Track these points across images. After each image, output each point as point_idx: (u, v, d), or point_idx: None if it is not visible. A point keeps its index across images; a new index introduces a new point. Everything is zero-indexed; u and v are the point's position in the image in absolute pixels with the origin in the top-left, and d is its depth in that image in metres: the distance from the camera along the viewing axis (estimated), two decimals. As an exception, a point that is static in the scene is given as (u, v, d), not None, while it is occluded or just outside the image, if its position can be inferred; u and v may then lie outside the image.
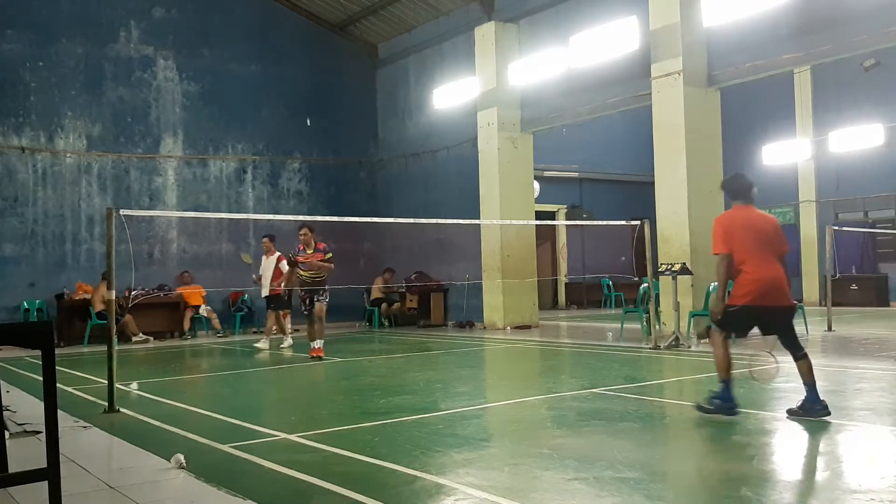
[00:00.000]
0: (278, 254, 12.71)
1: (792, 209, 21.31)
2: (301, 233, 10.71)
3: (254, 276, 13.31)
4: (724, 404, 5.66)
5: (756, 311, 5.64)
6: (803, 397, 5.64)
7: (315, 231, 10.84)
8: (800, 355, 5.67)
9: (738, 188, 5.99)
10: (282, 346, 12.47)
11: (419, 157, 17.67)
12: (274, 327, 12.74)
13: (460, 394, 7.53)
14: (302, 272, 10.64)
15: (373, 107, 18.99)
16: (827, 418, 5.59)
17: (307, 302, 10.68)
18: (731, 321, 5.73)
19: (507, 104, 15.32)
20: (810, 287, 20.17)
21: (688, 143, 11.74)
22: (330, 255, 10.68)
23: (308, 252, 10.59)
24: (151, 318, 14.99)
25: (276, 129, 17.56)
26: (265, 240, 13.07)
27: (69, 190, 15.37)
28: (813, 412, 5.54)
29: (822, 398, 5.58)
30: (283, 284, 11.88)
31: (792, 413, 5.67)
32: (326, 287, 10.73)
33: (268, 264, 12.87)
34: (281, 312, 12.91)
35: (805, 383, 5.59)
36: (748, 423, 5.59)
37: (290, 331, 13.05)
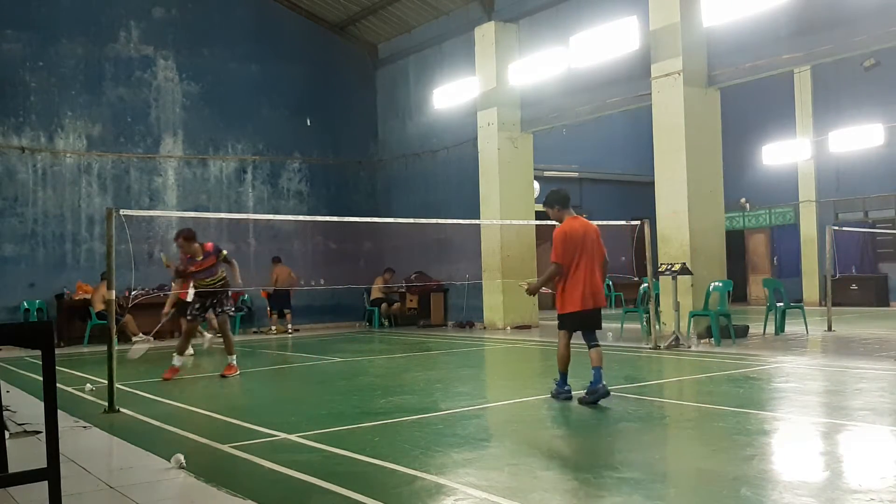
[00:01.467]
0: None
1: (792, 209, 21.31)
2: (177, 244, 9.27)
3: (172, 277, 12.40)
4: (561, 389, 6.56)
5: (584, 313, 6.49)
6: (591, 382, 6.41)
7: (192, 237, 9.14)
8: (594, 345, 6.55)
9: (566, 199, 6.74)
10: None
11: (419, 157, 17.66)
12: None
13: (460, 394, 7.53)
14: (200, 282, 9.28)
15: (373, 107, 19.00)
16: (827, 419, 5.60)
17: (197, 307, 9.33)
18: (569, 324, 6.56)
19: (507, 104, 15.31)
20: (810, 287, 20.16)
21: (688, 143, 11.73)
22: (224, 252, 9.31)
23: (199, 259, 9.17)
24: (151, 318, 14.96)
25: (276, 129, 17.56)
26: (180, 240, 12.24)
27: (69, 190, 15.37)
28: (598, 393, 6.30)
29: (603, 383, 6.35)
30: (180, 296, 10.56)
31: (582, 401, 6.36)
32: (228, 293, 9.38)
33: None
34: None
35: (594, 367, 6.40)
36: (748, 423, 5.59)
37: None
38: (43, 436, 3.13)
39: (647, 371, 8.90)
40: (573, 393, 6.54)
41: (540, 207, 19.31)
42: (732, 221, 21.76)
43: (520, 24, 15.44)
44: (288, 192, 17.79)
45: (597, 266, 6.57)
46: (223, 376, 9.10)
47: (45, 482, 2.98)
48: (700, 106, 11.95)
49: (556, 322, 6.70)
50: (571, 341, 6.53)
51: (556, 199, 6.74)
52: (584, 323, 6.57)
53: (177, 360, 9.08)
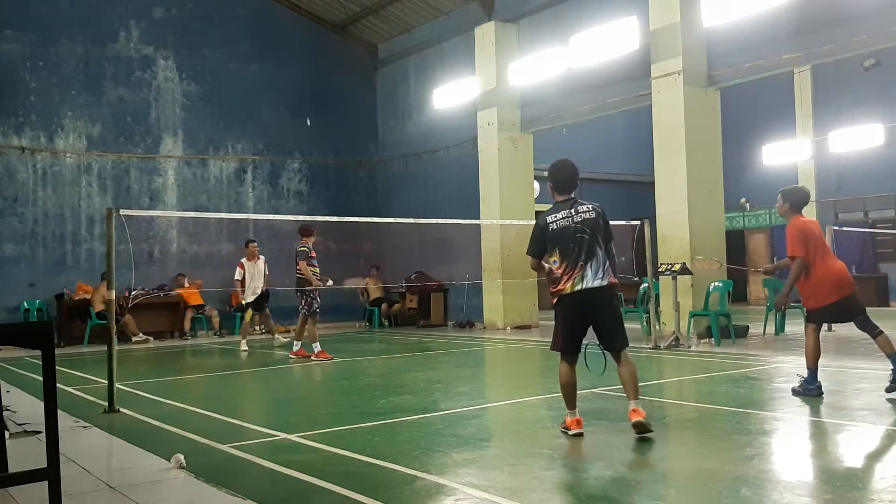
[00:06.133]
0: (263, 258, 12.88)
1: (792, 209, 21.27)
2: (313, 240, 10.81)
3: (237, 278, 12.90)
4: (809, 387, 6.41)
5: (841, 303, 6.44)
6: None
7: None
8: (878, 332, 6.48)
9: (803, 203, 6.72)
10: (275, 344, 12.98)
11: (419, 157, 17.66)
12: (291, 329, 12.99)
13: (460, 394, 7.52)
14: (316, 269, 10.65)
15: (373, 107, 18.99)
16: (827, 419, 5.62)
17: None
18: (824, 317, 6.64)
19: (507, 104, 15.31)
20: (810, 287, 20.11)
21: (688, 143, 11.73)
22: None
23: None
24: (151, 318, 14.99)
25: (276, 129, 17.56)
26: (254, 245, 12.93)
27: (69, 190, 15.37)
28: None
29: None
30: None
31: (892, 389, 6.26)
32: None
33: (257, 269, 12.70)
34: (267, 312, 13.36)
35: (890, 355, 6.36)
36: (748, 423, 5.59)
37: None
38: (43, 436, 3.13)
39: (647, 371, 8.88)
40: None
41: (540, 207, 19.34)
42: (732, 221, 21.75)
43: (520, 24, 15.44)
44: (288, 192, 17.79)
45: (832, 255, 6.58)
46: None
47: (45, 482, 2.98)
48: (700, 106, 11.95)
49: (805, 317, 6.61)
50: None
51: (795, 197, 6.70)
52: (842, 313, 6.50)
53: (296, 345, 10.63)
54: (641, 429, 4.94)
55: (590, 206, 5.29)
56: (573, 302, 5.13)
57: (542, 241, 5.23)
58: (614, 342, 5.18)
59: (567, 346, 5.22)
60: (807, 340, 6.52)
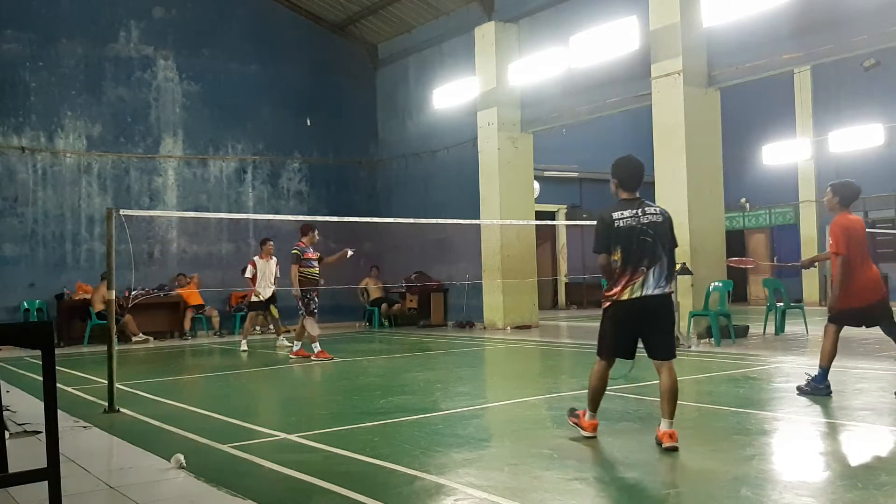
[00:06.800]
0: (275, 259, 12.63)
1: (792, 209, 21.31)
2: (312, 236, 10.82)
3: (247, 276, 12.61)
4: (819, 385, 6.37)
5: (872, 306, 6.40)
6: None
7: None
8: None
9: (852, 198, 6.50)
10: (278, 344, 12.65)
11: (419, 157, 17.66)
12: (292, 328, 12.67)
13: (460, 394, 7.53)
14: (311, 271, 10.65)
15: (373, 107, 18.99)
16: (827, 419, 5.62)
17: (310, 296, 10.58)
18: (849, 319, 6.50)
19: (507, 104, 15.31)
20: (810, 287, 20.18)
21: (688, 143, 11.73)
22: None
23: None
24: (151, 318, 14.99)
25: (276, 129, 17.56)
26: (270, 243, 12.60)
27: (69, 190, 15.37)
28: None
29: None
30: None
31: None
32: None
33: (268, 268, 12.46)
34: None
35: None
36: (748, 423, 5.59)
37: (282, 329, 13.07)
38: (43, 436, 3.13)
39: (647, 371, 8.87)
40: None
41: (540, 207, 19.33)
42: (732, 221, 21.75)
43: (520, 24, 15.43)
44: (288, 192, 17.79)
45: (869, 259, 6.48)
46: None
47: (45, 482, 2.98)
48: (700, 106, 11.95)
49: (827, 315, 6.50)
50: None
51: (845, 192, 6.49)
52: (871, 317, 6.42)
53: (296, 345, 10.74)
54: (670, 450, 4.71)
55: (657, 210, 5.04)
56: (629, 308, 4.90)
57: (608, 238, 4.94)
58: (665, 351, 4.96)
59: (615, 352, 5.07)
60: (825, 339, 6.45)
